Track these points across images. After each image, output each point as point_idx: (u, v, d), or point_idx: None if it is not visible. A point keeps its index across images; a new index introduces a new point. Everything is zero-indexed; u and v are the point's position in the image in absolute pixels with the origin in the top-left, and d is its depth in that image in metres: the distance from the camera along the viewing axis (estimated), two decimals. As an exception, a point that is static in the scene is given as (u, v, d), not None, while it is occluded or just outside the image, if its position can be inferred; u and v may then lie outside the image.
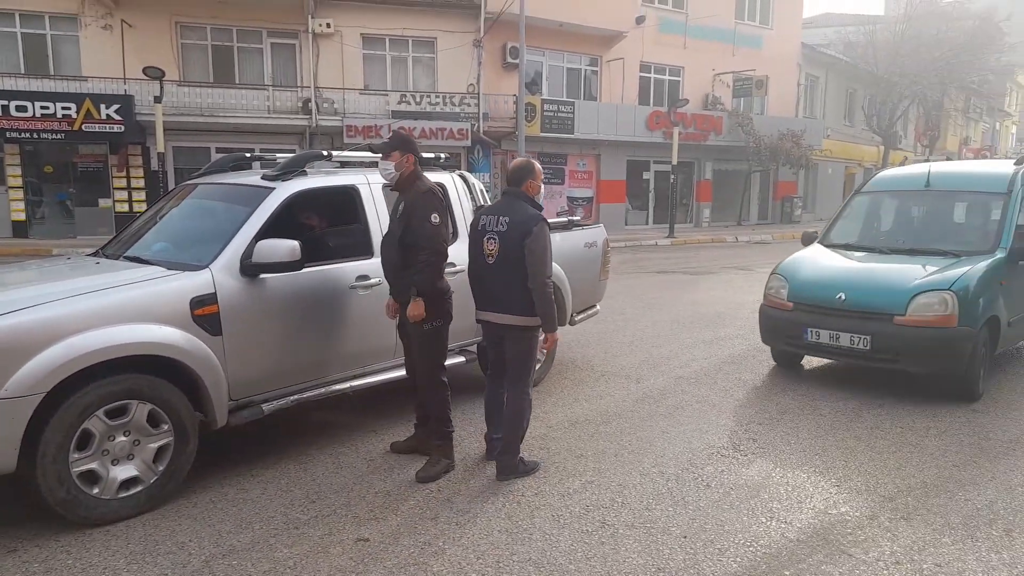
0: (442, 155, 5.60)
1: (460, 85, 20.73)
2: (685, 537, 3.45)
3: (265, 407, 4.14)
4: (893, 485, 4.05)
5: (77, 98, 17.24)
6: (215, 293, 3.88)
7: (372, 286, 4.59)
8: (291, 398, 4.27)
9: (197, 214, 4.80)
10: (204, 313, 3.82)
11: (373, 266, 4.60)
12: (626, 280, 12.19)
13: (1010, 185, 6.11)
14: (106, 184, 18.87)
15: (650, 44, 24.48)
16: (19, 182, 18.18)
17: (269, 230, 4.18)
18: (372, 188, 4.87)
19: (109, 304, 3.57)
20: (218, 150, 19.29)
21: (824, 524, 3.59)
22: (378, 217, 4.79)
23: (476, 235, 4.20)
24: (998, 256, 5.69)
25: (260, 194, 4.36)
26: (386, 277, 4.35)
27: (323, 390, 4.44)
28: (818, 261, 6.24)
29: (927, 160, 35.16)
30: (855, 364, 5.82)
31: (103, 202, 18.95)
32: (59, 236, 18.28)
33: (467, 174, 5.75)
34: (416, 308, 4.01)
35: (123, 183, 18.83)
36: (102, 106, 17.34)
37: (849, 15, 37.24)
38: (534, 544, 3.40)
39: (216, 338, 3.86)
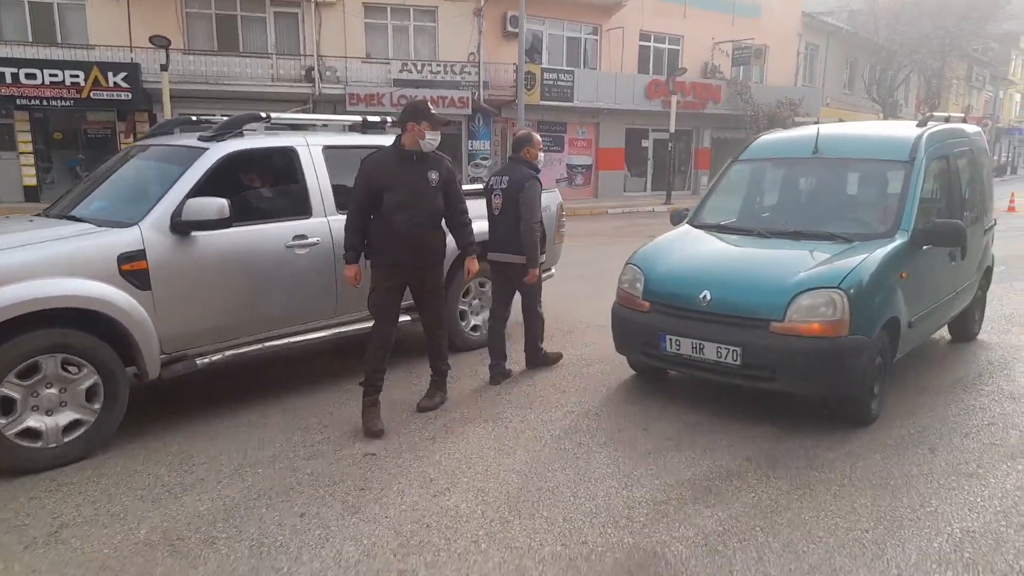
0: (388, 119, 5.65)
1: (461, 54, 20.97)
2: (649, 454, 3.99)
3: (199, 361, 4.25)
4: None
5: (85, 66, 17.55)
6: (143, 250, 3.98)
7: (310, 245, 4.68)
8: (225, 353, 4.37)
9: (135, 174, 4.85)
10: (132, 269, 3.92)
11: (310, 225, 4.73)
12: (619, 244, 12.66)
13: (913, 151, 4.91)
14: (114, 150, 19.23)
15: (650, 13, 24.60)
16: (29, 148, 18.58)
17: (203, 190, 4.24)
18: (311, 150, 4.91)
19: (32, 259, 3.68)
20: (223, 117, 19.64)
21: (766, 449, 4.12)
22: (317, 178, 4.85)
23: (487, 192, 5.25)
24: (898, 241, 4.52)
25: (194, 154, 4.45)
26: (406, 241, 4.27)
27: (258, 346, 4.56)
28: (681, 249, 4.96)
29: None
30: (723, 382, 4.53)
31: (111, 169, 19.37)
32: (70, 202, 18.73)
33: None
34: (474, 263, 4.67)
35: (131, 150, 19.22)
36: (109, 74, 17.66)
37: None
38: (518, 457, 3.95)
39: (145, 293, 3.97)
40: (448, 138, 21.84)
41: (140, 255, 3.98)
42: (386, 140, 5.22)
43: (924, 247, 4.68)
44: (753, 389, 4.45)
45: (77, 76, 17.51)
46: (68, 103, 17.70)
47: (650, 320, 4.62)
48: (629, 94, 23.61)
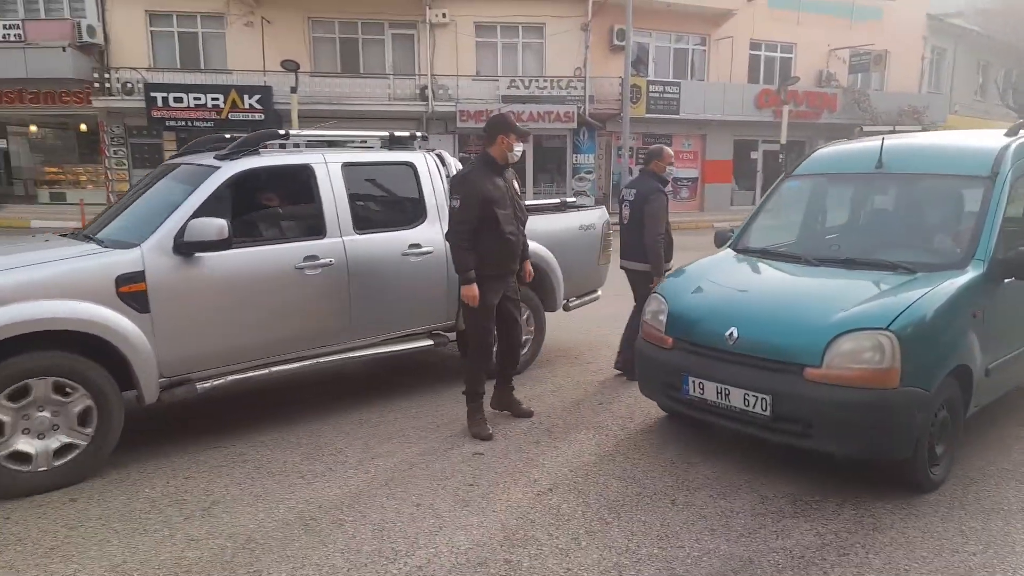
0: (417, 134, 5.62)
1: (567, 69, 21.31)
2: (749, 467, 4.06)
3: (199, 386, 4.15)
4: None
5: (224, 89, 19.20)
6: (143, 271, 3.89)
7: (322, 266, 4.55)
8: (228, 378, 4.26)
9: (154, 194, 4.72)
10: (130, 291, 3.84)
11: (323, 246, 4.59)
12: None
13: (996, 165, 4.17)
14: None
15: (761, 21, 24.04)
16: (174, 166, 20.49)
17: (212, 209, 4.13)
18: (329, 168, 4.75)
19: (26, 280, 3.63)
20: (344, 135, 20.88)
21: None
22: (333, 197, 4.70)
23: (619, 204, 5.75)
24: (971, 273, 3.84)
25: (204, 173, 4.36)
26: (515, 251, 4.53)
27: (265, 371, 4.43)
28: (712, 277, 4.45)
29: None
30: (751, 435, 3.92)
31: (243, 184, 21.00)
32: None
33: (444, 153, 5.63)
34: (530, 267, 4.87)
35: (260, 166, 20.78)
36: (245, 96, 19.23)
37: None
38: (617, 463, 4.12)
39: (144, 315, 3.88)
40: (553, 151, 22.30)
41: (139, 277, 3.88)
42: (412, 156, 5.29)
43: (1007, 280, 3.97)
44: (786, 445, 3.82)
45: (217, 99, 19.16)
46: (209, 123, 19.39)
47: (673, 358, 4.09)
48: (738, 104, 23.16)
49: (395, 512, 3.56)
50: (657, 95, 21.81)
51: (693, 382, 3.93)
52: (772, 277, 4.41)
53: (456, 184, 4.45)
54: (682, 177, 24.02)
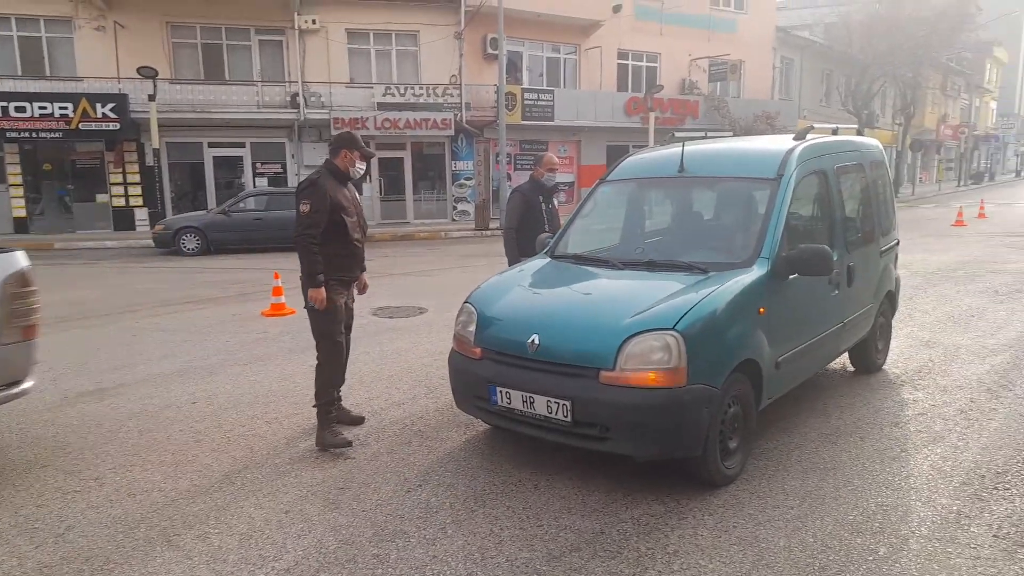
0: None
1: (443, 76, 21.49)
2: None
3: None
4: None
5: (73, 98, 17.95)
6: None
7: None
8: None
9: None
10: None
11: None
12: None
13: (781, 168, 4.37)
14: (103, 180, 19.62)
15: (627, 32, 25.24)
16: (19, 180, 18.94)
17: None
18: None
19: None
20: (210, 144, 20.09)
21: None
22: None
23: None
24: (756, 271, 3.99)
25: None
26: (359, 258, 4.76)
27: None
28: (521, 284, 4.42)
29: (905, 138, 36.19)
30: (556, 442, 3.88)
31: (100, 197, 19.73)
32: (58, 231, 19.07)
33: None
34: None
35: (119, 179, 19.61)
36: (98, 105, 18.07)
37: (826, -4, 37.96)
38: (486, 457, 4.31)
39: None
40: (433, 159, 22.41)
41: None
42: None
43: (791, 276, 4.13)
44: (586, 451, 3.89)
45: (66, 108, 17.91)
46: (57, 135, 18.10)
47: (481, 369, 4.04)
48: (609, 111, 24.19)
49: (263, 521, 3.57)
50: (532, 102, 22.41)
51: (500, 392, 3.89)
52: (575, 282, 4.42)
53: (305, 189, 4.43)
54: (560, 182, 24.68)
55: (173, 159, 19.85)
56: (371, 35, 21.26)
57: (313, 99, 20.08)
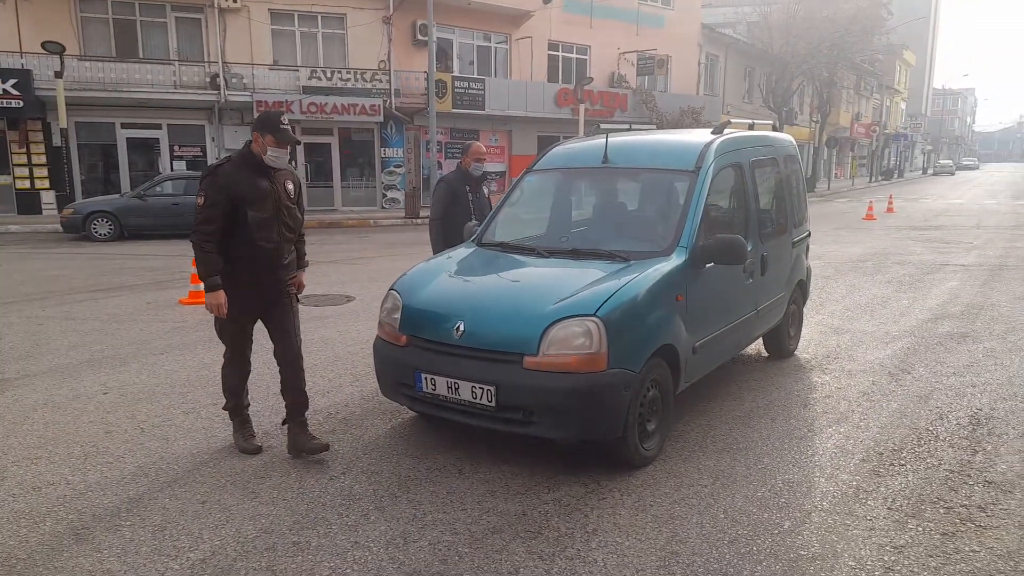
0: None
1: (371, 61, 21.13)
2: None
3: None
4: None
5: (-29, 72, 16.77)
6: None
7: None
8: None
9: None
10: None
11: None
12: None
13: (699, 160, 4.54)
14: (5, 161, 18.44)
15: (557, 23, 25.41)
16: (-89, 158, 17.57)
17: None
18: None
19: None
20: (123, 125, 19.17)
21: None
22: None
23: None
24: (675, 260, 4.13)
25: None
26: (269, 259, 4.00)
27: None
28: (447, 272, 4.45)
29: (821, 135, 37.76)
30: (481, 427, 3.95)
31: (2, 179, 18.54)
32: (-43, 214, 17.83)
33: None
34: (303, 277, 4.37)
35: (24, 159, 18.45)
36: (-1, 80, 16.94)
37: (750, -5, 39.19)
38: (412, 442, 4.31)
39: None
40: (361, 145, 22.03)
41: None
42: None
43: (708, 265, 4.31)
44: (512, 435, 3.94)
45: (-37, 83, 16.72)
46: (-48, 110, 16.87)
47: (406, 356, 4.06)
48: (539, 102, 24.31)
49: (178, 512, 3.47)
50: (462, 91, 22.30)
51: (425, 378, 3.92)
52: (501, 270, 4.45)
53: (203, 178, 3.93)
54: (490, 171, 24.79)
55: (83, 140, 18.82)
56: (296, 16, 20.68)
57: (234, 81, 19.39)
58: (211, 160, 19.65)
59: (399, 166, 22.37)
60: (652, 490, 3.67)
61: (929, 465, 3.94)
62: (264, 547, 3.16)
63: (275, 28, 20.41)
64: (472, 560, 3.05)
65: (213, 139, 19.81)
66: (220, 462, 4.04)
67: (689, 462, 4.00)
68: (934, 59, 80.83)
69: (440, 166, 22.42)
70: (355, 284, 9.48)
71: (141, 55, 19.11)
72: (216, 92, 19.10)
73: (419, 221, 19.55)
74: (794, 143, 6.33)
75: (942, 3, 79.53)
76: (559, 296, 3.80)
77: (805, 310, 6.57)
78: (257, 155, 3.94)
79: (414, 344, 4.08)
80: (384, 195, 22.41)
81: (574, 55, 26.73)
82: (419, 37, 21.45)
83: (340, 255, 13.08)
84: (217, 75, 19.13)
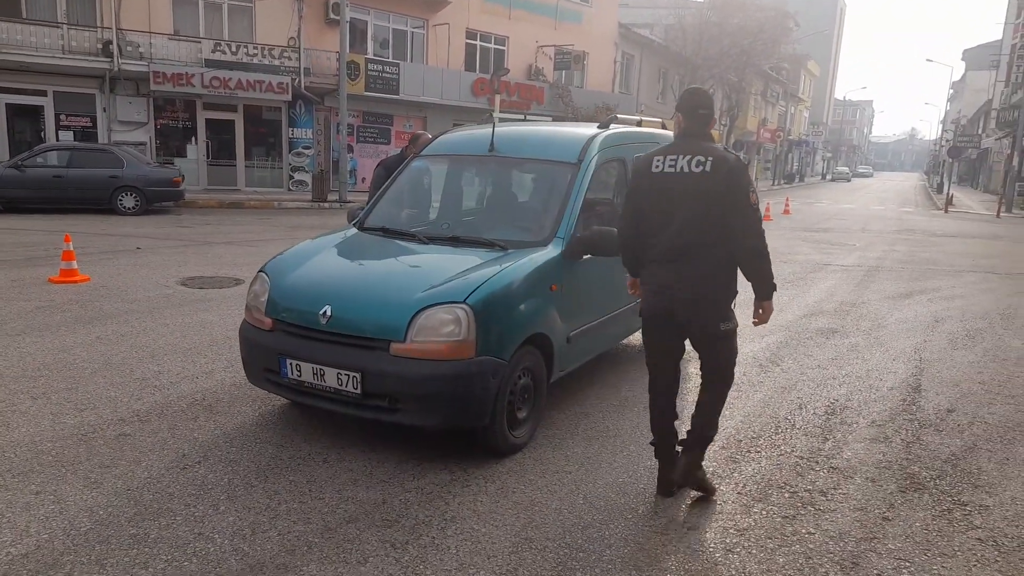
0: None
1: (280, 38, 20.37)
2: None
3: None
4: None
5: None
6: None
7: None
8: None
9: None
10: None
11: None
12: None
13: (582, 153, 4.58)
14: None
15: (476, 12, 25.26)
16: None
17: None
18: None
19: None
20: (2, 90, 17.77)
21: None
22: None
23: None
24: (551, 250, 4.15)
25: None
26: None
27: None
28: (319, 255, 4.35)
29: (728, 140, 39.21)
30: (348, 415, 3.89)
31: None
32: None
33: None
34: None
35: None
36: None
37: (667, -2, 40.18)
38: (276, 430, 4.16)
39: None
40: (269, 124, 21.26)
41: None
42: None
43: (585, 256, 4.30)
44: (379, 423, 3.90)
45: None
46: None
47: (272, 341, 3.93)
48: (456, 90, 24.12)
49: (5, 504, 3.22)
50: (376, 74, 21.83)
51: (291, 364, 3.80)
52: (376, 255, 4.40)
53: None
54: (403, 157, 24.37)
55: (-44, 104, 17.33)
56: (201, -14, 19.69)
57: (130, 49, 18.26)
58: (101, 131, 18.48)
59: (308, 148, 21.71)
60: (517, 477, 3.67)
61: (782, 452, 4.12)
62: (97, 540, 2.97)
63: (177, -4, 19.36)
64: (321, 550, 2.96)
65: (104, 109, 18.61)
66: (63, 451, 3.78)
67: (559, 449, 4.03)
68: (836, 71, 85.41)
69: (351, 150, 21.93)
70: (247, 267, 9.10)
71: (24, 15, 17.71)
72: (109, 60, 17.94)
73: (326, 205, 19.05)
74: None
75: (845, 19, 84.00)
76: (430, 283, 3.76)
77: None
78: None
79: (280, 328, 3.94)
80: (291, 177, 21.70)
81: (492, 45, 26.65)
82: (332, 16, 20.82)
83: (237, 236, 12.57)
84: (110, 42, 17.97)
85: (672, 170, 3.26)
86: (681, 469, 3.45)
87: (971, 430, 4.56)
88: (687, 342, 3.51)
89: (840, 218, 23.25)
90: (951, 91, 77.21)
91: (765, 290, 3.43)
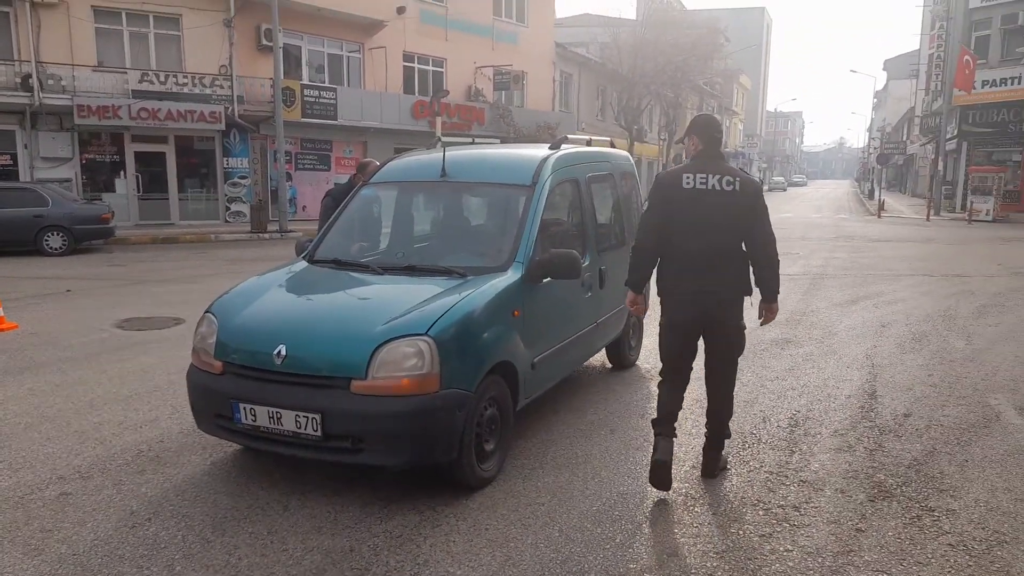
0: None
1: (211, 66, 19.89)
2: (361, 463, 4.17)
3: None
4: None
5: None
6: None
7: None
8: None
9: None
10: None
11: None
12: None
13: (535, 175, 4.49)
14: None
15: (412, 34, 25.20)
16: None
17: None
18: None
19: None
20: (-86, 128, 16.81)
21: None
22: None
23: None
24: (511, 275, 4.04)
25: None
26: None
27: None
28: (269, 291, 4.12)
29: (673, 156, 40.09)
30: (310, 459, 3.69)
31: None
32: None
33: None
34: None
35: None
36: None
37: (601, 16, 40.97)
38: (232, 480, 3.94)
39: None
40: (201, 154, 20.68)
41: None
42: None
43: (545, 280, 4.23)
44: (342, 465, 3.75)
45: None
46: None
47: (222, 385, 3.70)
48: (395, 113, 23.96)
49: (-67, 582, 2.94)
50: (313, 99, 21.50)
51: (244, 409, 3.56)
52: (330, 288, 4.26)
53: None
54: (344, 183, 24.00)
55: None
56: (123, 15, 19.05)
57: (51, 82, 17.52)
58: (23, 169, 17.63)
59: (244, 177, 21.18)
60: (489, 512, 3.55)
61: (751, 468, 4.12)
62: (39, 616, 2.73)
63: (100, 27, 18.69)
64: (289, 608, 2.78)
65: (26, 146, 17.78)
66: (3, 513, 3.49)
67: (528, 480, 3.93)
68: (767, 84, 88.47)
69: (290, 178, 21.50)
70: (186, 305, 8.73)
71: (-66, 49, 16.85)
72: (29, 94, 17.17)
73: (266, 235, 18.60)
74: (631, 159, 6.51)
75: (772, 33, 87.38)
76: (390, 315, 3.61)
77: (645, 321, 6.77)
78: None
79: (231, 371, 3.73)
80: (227, 208, 21.11)
81: (430, 67, 26.63)
82: (264, 42, 20.44)
83: (173, 273, 12.12)
84: (30, 75, 17.21)
85: (704, 187, 3.64)
86: (710, 462, 3.96)
87: (929, 434, 4.67)
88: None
89: (780, 227, 23.50)
90: (875, 100, 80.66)
91: (774, 293, 3.85)
